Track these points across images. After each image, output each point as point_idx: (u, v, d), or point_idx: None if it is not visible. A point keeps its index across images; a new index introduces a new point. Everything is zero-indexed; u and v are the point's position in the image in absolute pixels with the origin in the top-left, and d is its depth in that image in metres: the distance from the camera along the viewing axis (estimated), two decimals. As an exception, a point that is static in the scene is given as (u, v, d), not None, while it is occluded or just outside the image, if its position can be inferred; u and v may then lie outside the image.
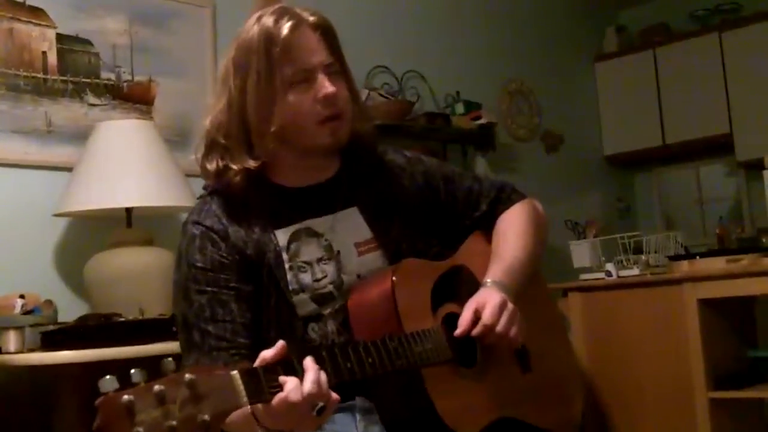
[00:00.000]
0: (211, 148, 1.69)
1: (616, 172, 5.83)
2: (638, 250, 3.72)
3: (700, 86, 5.25)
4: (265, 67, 1.62)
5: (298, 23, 1.65)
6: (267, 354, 1.30)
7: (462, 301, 1.72)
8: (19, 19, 2.96)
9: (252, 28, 1.66)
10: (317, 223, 1.70)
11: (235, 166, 1.65)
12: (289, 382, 1.27)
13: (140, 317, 2.57)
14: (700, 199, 5.85)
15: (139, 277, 2.74)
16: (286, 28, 1.63)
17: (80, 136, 2.97)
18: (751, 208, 5.39)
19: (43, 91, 3.00)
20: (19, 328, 2.41)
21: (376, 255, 1.71)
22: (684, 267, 3.61)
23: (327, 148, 1.69)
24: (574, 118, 5.49)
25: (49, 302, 2.64)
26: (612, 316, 3.62)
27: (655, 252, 3.71)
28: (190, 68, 3.42)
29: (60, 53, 3.06)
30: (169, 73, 3.36)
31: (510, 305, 1.67)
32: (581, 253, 3.94)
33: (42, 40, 3.02)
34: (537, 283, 1.93)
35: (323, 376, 1.31)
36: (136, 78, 3.27)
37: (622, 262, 3.67)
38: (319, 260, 1.68)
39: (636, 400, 3.51)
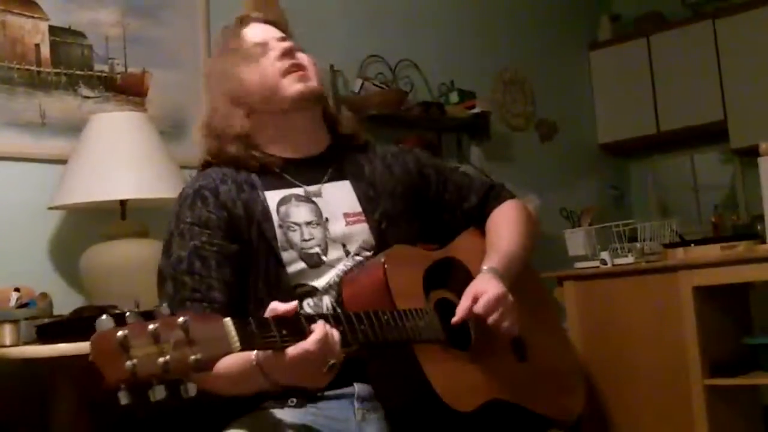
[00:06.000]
0: (209, 136, 1.82)
1: (611, 160, 5.83)
2: (633, 238, 3.72)
3: (694, 74, 5.25)
4: (222, 56, 1.85)
5: (247, 18, 1.87)
6: (279, 306, 1.33)
7: (454, 290, 1.73)
8: (11, 12, 2.95)
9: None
10: (306, 190, 1.77)
11: (227, 140, 1.79)
12: (316, 332, 1.31)
13: (136, 309, 2.56)
14: (694, 186, 5.85)
15: (135, 269, 2.74)
16: (237, 21, 1.86)
17: (74, 128, 2.96)
18: (746, 195, 5.39)
19: (36, 84, 2.99)
20: (15, 322, 2.40)
21: (362, 227, 1.77)
22: (679, 254, 3.61)
23: (301, 97, 1.77)
24: (569, 107, 5.48)
25: (44, 295, 2.64)
26: (607, 304, 3.62)
27: (650, 240, 3.70)
28: (184, 59, 3.41)
29: (53, 45, 3.05)
30: (162, 65, 3.35)
31: (509, 298, 1.68)
32: (576, 241, 3.93)
33: (35, 33, 3.01)
34: (531, 278, 1.95)
35: (335, 335, 1.35)
36: (130, 70, 3.26)
37: (617, 250, 3.66)
38: (308, 224, 1.73)
39: (632, 387, 3.52)
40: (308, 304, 1.68)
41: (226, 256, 1.66)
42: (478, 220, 1.93)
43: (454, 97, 4.49)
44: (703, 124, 5.23)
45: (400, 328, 1.52)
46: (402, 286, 1.62)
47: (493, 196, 1.95)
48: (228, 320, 1.21)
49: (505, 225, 1.90)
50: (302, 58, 1.81)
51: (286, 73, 1.77)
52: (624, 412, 3.56)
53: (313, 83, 1.79)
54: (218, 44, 1.91)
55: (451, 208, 1.93)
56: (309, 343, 1.29)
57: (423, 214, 1.89)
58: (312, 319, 1.35)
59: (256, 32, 1.83)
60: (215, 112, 1.80)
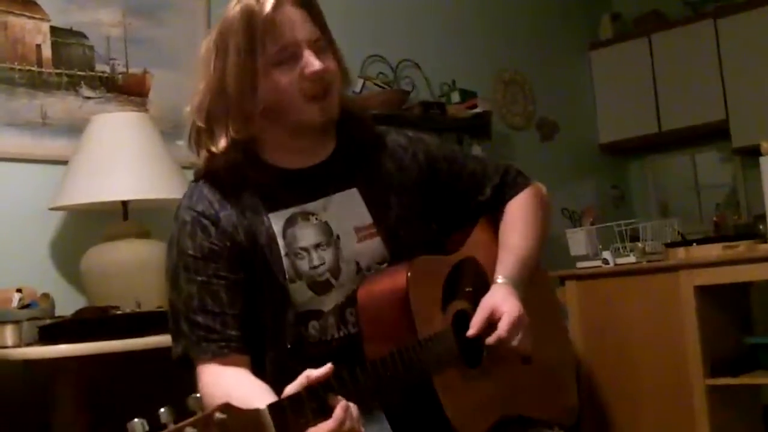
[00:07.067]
0: (197, 133, 1.66)
1: (612, 160, 5.83)
2: (634, 237, 3.72)
3: (696, 73, 5.25)
4: (246, 45, 1.59)
5: (283, 2, 1.63)
6: (313, 373, 1.30)
7: (471, 296, 1.72)
8: (12, 13, 2.95)
9: (234, 8, 1.63)
10: (314, 206, 1.67)
11: (219, 149, 1.62)
12: (336, 417, 1.28)
13: (137, 310, 2.57)
14: (696, 186, 5.85)
15: (136, 269, 2.74)
16: (268, 5, 1.60)
17: (75, 129, 2.96)
18: (747, 194, 5.39)
19: (37, 84, 2.99)
20: (17, 323, 2.40)
21: (375, 242, 1.68)
22: (680, 254, 3.61)
23: (318, 125, 1.66)
24: (570, 107, 5.48)
25: (46, 296, 2.64)
26: (609, 303, 3.62)
27: (652, 239, 3.71)
28: (185, 59, 3.40)
29: (54, 46, 3.05)
30: (163, 65, 3.35)
31: (525, 318, 1.67)
32: (578, 241, 3.93)
33: (36, 33, 3.01)
34: (536, 270, 1.93)
35: (354, 411, 1.32)
36: (131, 70, 3.26)
37: (618, 249, 3.67)
38: (317, 246, 1.64)
39: (633, 387, 3.52)
40: (313, 327, 1.64)
41: (235, 286, 1.60)
42: (492, 209, 1.88)
43: (455, 96, 4.49)
44: (705, 124, 5.23)
45: (423, 363, 1.51)
46: (423, 307, 1.59)
47: (509, 185, 1.88)
48: (265, 411, 1.19)
49: (519, 222, 1.85)
50: (330, 72, 1.64)
51: (312, 99, 1.62)
52: (625, 411, 3.56)
53: (333, 113, 1.67)
54: (239, 12, 1.61)
55: (465, 199, 1.86)
56: (327, 427, 1.28)
57: (435, 206, 1.82)
58: (344, 383, 1.33)
59: (291, 28, 1.61)
60: (222, 99, 1.62)
